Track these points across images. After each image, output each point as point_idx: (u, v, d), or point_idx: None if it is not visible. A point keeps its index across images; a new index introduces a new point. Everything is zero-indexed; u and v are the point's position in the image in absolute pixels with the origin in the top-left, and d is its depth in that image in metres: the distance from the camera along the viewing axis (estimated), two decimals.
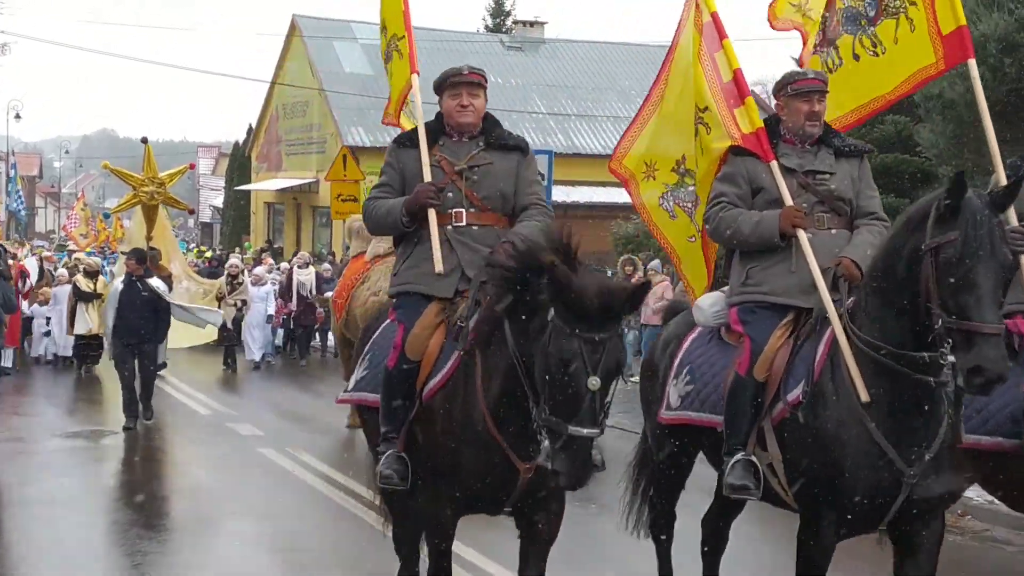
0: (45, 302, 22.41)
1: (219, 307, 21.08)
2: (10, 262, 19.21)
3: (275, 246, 38.67)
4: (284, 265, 26.12)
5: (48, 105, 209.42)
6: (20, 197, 52.08)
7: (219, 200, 56.40)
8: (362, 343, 7.13)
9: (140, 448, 14.32)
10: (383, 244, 14.43)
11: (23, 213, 53.93)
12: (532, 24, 43.38)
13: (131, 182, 19.19)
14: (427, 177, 6.50)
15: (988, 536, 10.49)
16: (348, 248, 28.37)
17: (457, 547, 8.96)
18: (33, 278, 23.25)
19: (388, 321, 6.79)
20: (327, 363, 23.43)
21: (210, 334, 19.75)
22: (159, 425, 15.34)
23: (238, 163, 48.92)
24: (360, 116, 36.36)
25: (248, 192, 45.48)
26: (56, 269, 24.34)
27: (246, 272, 23.72)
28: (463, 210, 6.49)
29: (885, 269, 5.75)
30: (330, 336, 23.78)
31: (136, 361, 15.37)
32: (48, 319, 22.37)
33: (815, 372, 5.99)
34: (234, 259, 25.37)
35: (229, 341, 22.10)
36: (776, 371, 6.19)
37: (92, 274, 21.48)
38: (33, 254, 26.74)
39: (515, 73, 39.92)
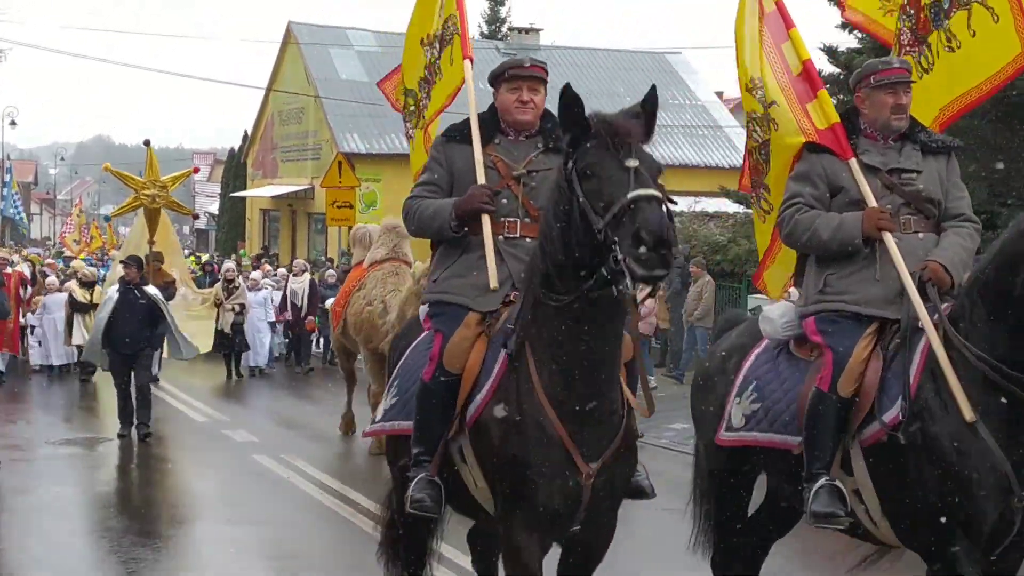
0: (34, 310, 21.75)
1: (218, 313, 20.98)
2: (8, 270, 19.09)
3: (270, 253, 38.63)
4: (282, 271, 25.87)
5: (43, 112, 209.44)
6: (17, 203, 51.96)
7: (214, 206, 56.39)
8: (391, 362, 6.52)
9: (135, 455, 14.30)
10: (380, 250, 14.33)
11: (20, 218, 53.75)
12: (527, 31, 43.42)
13: (132, 185, 18.92)
14: (481, 178, 5.90)
15: None
16: (344, 255, 28.38)
17: (457, 557, 9.04)
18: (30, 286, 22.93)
19: (419, 338, 6.21)
20: (324, 371, 23.15)
21: (205, 345, 19.54)
22: (155, 432, 15.28)
23: (234, 169, 48.90)
24: (355, 123, 36.37)
25: (243, 198, 45.45)
26: (60, 277, 23.64)
27: (241, 277, 23.31)
28: (517, 220, 5.90)
29: (998, 277, 5.36)
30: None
31: (132, 371, 15.00)
32: (33, 327, 21.67)
33: (911, 388, 5.48)
34: (229, 263, 25.00)
35: (229, 348, 21.75)
36: (867, 388, 5.66)
37: (88, 284, 21.12)
38: (27, 261, 26.53)
39: None
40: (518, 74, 6.03)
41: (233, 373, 21.97)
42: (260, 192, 42.51)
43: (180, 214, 23.04)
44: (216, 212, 54.20)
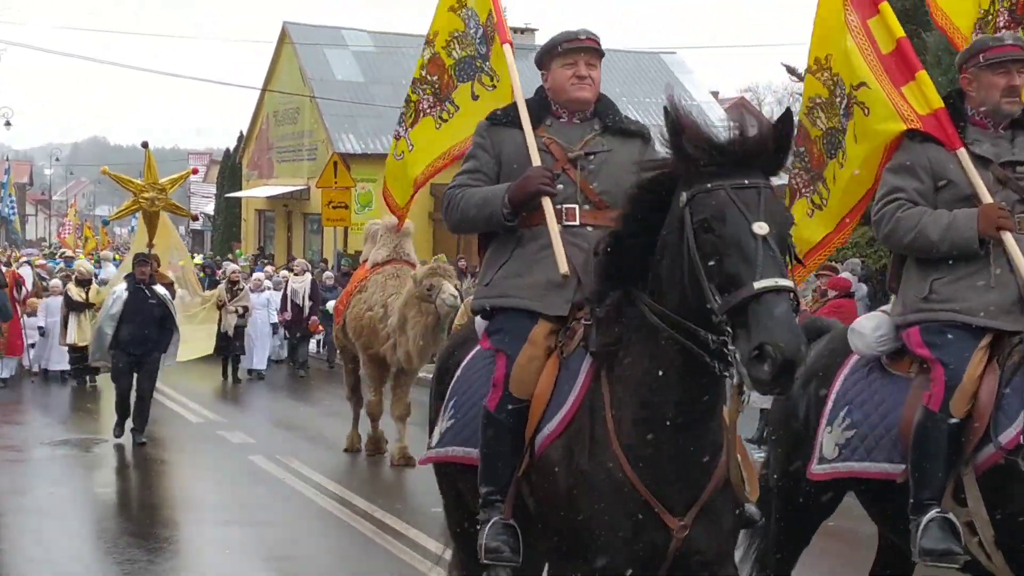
0: (33, 312, 21.36)
1: (220, 315, 20.72)
2: (3, 269, 18.96)
3: (266, 253, 38.60)
4: (284, 272, 25.69)
5: (38, 112, 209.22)
6: (12, 203, 51.90)
7: (210, 207, 56.36)
8: (439, 382, 5.71)
9: (131, 456, 14.26)
10: (382, 250, 13.97)
11: (14, 218, 53.67)
12: (523, 31, 43.33)
13: (130, 188, 18.79)
14: (536, 161, 5.23)
15: None
16: (341, 256, 28.38)
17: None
18: (28, 287, 22.66)
19: (475, 350, 5.43)
20: (323, 373, 23.07)
21: (207, 347, 19.43)
22: (151, 434, 15.23)
23: (229, 170, 48.87)
24: (351, 123, 36.36)
25: (239, 199, 45.42)
26: (50, 277, 23.52)
27: (244, 279, 23.00)
28: (576, 207, 5.22)
29: None
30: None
31: (135, 374, 14.62)
32: (40, 329, 21.29)
33: None
34: (233, 265, 24.55)
35: (229, 351, 21.43)
36: (982, 407, 5.07)
37: (84, 282, 20.77)
38: (26, 262, 26.43)
39: None
40: (574, 47, 5.38)
41: (230, 376, 21.66)
42: (255, 193, 42.48)
43: (179, 216, 22.38)
44: (211, 213, 54.19)
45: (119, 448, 14.66)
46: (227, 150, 51.48)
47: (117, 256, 33.78)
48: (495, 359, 5.09)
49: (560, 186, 5.19)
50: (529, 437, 4.84)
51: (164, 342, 14.79)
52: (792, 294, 3.99)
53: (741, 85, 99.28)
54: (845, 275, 14.45)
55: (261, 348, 22.35)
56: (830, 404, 5.61)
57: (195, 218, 24.41)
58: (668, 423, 4.41)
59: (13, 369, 20.50)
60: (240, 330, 21.46)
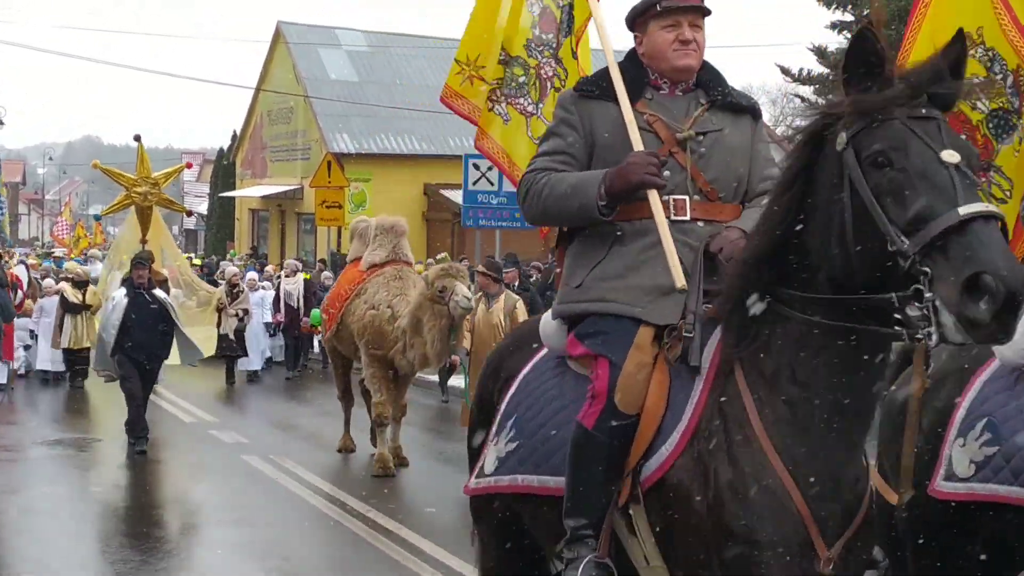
0: (27, 314, 20.78)
1: (219, 318, 19.87)
2: (3, 268, 18.61)
3: (259, 253, 38.60)
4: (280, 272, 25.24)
5: (31, 112, 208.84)
6: (1, 202, 51.61)
7: (203, 206, 56.34)
8: (485, 399, 4.92)
9: (125, 457, 14.24)
10: (379, 252, 13.58)
11: (2, 218, 53.29)
12: None
13: (123, 182, 18.40)
14: (637, 144, 4.30)
15: None
16: (334, 255, 28.35)
17: (463, 567, 9.06)
18: (24, 288, 22.23)
19: (537, 358, 4.70)
20: (319, 374, 22.69)
21: (208, 349, 19.12)
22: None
23: (222, 169, 48.85)
24: (345, 123, 36.38)
25: (232, 199, 45.42)
26: (43, 278, 22.90)
27: (244, 280, 22.58)
28: (686, 198, 4.35)
29: None
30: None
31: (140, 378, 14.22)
32: (31, 332, 21.05)
33: None
34: (232, 267, 23.98)
35: (231, 352, 20.92)
36: None
37: (80, 284, 20.33)
38: (21, 262, 26.15)
39: None
40: (676, 5, 4.38)
41: (230, 380, 21.26)
42: (249, 192, 42.48)
43: (173, 211, 21.80)
44: (205, 212, 54.17)
45: (112, 448, 14.65)
46: (220, 149, 51.48)
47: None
48: (594, 366, 4.22)
49: (667, 173, 4.30)
50: (635, 461, 4.07)
51: (167, 348, 14.60)
52: (1002, 224, 3.35)
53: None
54: None
55: (256, 348, 22.08)
56: (960, 413, 4.90)
57: (189, 213, 24.11)
58: (825, 426, 3.80)
59: (4, 375, 19.77)
60: (240, 333, 21.21)
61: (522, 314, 12.39)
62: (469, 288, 12.45)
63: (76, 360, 20.11)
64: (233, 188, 45.30)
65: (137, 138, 18.62)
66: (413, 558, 9.44)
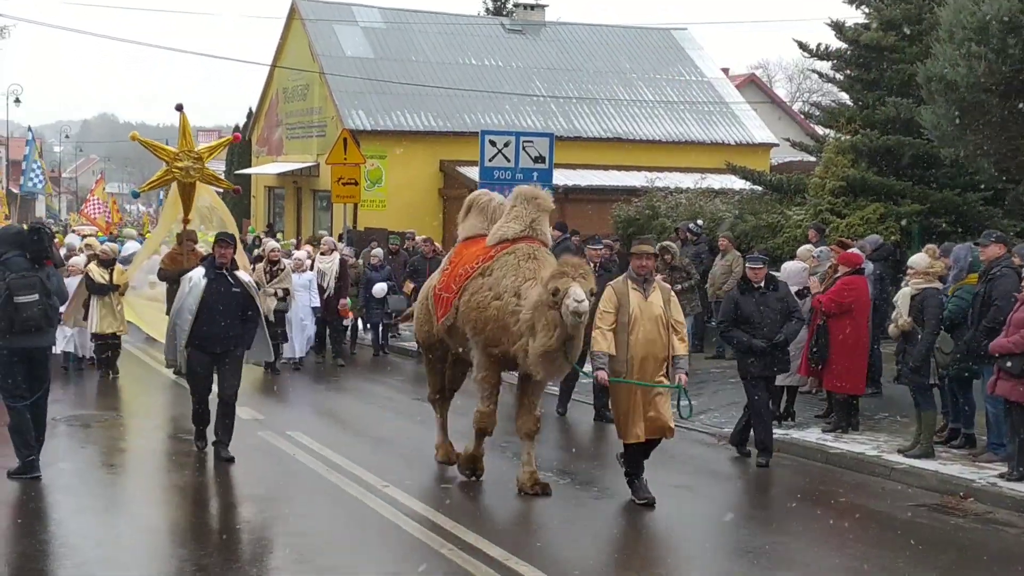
0: None
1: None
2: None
3: (275, 230, 38.59)
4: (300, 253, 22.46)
5: (48, 90, 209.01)
6: (40, 175, 51.03)
7: None
8: None
9: (142, 432, 14.26)
10: (512, 225, 11.44)
11: (40, 188, 52.79)
12: (533, 7, 43.21)
13: (162, 155, 16.95)
14: None
15: (991, 518, 10.50)
16: (349, 232, 28.32)
17: (484, 544, 9.07)
18: None
19: None
20: (360, 361, 21.43)
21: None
22: (173, 417, 15.16)
23: (238, 147, 48.85)
24: (360, 100, 36.32)
25: (248, 176, 45.44)
26: (67, 256, 20.93)
27: (285, 258, 20.30)
28: None
29: None
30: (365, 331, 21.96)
31: (217, 374, 12.54)
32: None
33: None
34: (272, 243, 21.67)
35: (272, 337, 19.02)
36: None
37: (107, 263, 18.49)
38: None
39: (516, 56, 39.85)
40: None
41: (268, 367, 18.61)
42: (265, 170, 42.49)
43: (219, 187, 19.30)
44: (221, 190, 54.13)
45: (129, 425, 14.68)
46: (236, 127, 51.45)
47: (147, 232, 32.86)
48: None
49: None
50: None
51: (248, 336, 12.69)
52: None
53: (752, 61, 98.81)
54: (854, 251, 14.34)
55: (300, 334, 19.90)
56: None
57: (237, 191, 22.06)
58: None
59: None
60: (281, 315, 19.11)
61: (677, 305, 10.88)
62: (592, 291, 10.27)
63: (107, 347, 18.49)
64: (249, 165, 45.31)
65: (179, 107, 16.96)
66: (430, 533, 9.45)
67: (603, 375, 10.44)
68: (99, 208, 40.29)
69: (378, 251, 22.49)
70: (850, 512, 10.71)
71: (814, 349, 13.54)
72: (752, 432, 12.75)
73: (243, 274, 12.88)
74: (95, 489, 11.39)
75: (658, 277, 11.74)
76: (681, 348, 10.66)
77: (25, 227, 12.02)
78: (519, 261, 11.11)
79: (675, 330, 10.64)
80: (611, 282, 10.98)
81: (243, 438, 13.60)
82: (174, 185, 17.33)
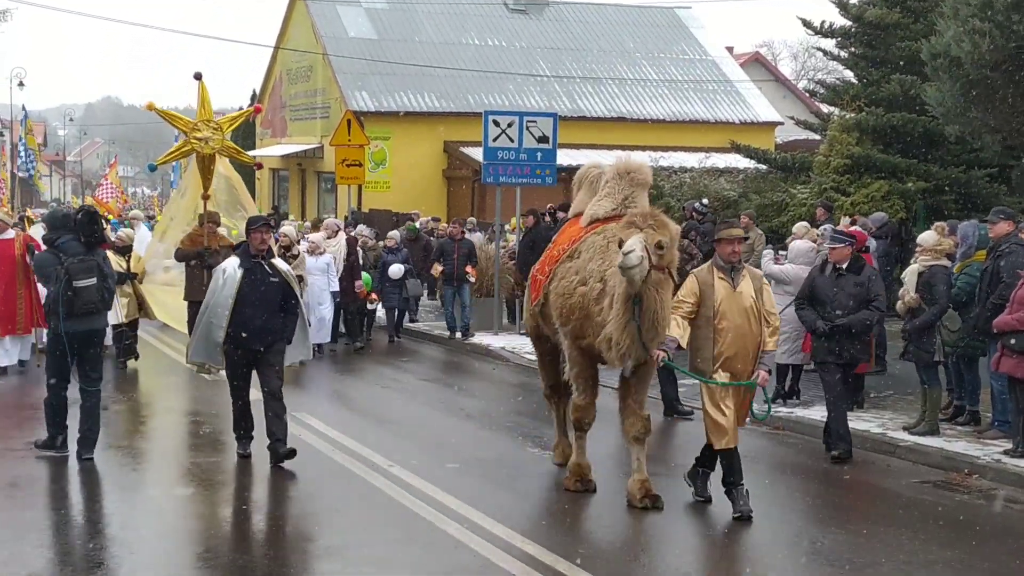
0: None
1: None
2: (10, 234, 16.84)
3: (280, 212, 38.60)
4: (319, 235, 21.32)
5: (51, 73, 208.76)
6: (32, 160, 51.15)
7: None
8: None
9: (155, 417, 14.29)
10: (605, 202, 10.32)
11: (30, 171, 52.88)
12: None
13: (179, 125, 16.24)
14: None
15: (995, 495, 10.51)
16: (353, 213, 28.29)
17: (489, 523, 9.09)
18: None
19: None
20: (375, 345, 20.75)
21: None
22: (188, 406, 15.12)
23: (242, 129, 48.77)
24: (364, 81, 36.28)
25: (252, 158, 45.51)
26: None
27: (302, 242, 19.64)
28: None
29: None
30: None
31: (258, 372, 11.51)
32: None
33: None
34: (287, 227, 20.56)
35: None
36: None
37: (123, 250, 17.51)
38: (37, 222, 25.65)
39: (519, 36, 39.78)
40: None
41: None
42: (269, 151, 42.47)
43: (240, 161, 18.16)
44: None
45: (144, 409, 14.70)
46: (254, 93, 51.38)
47: (158, 215, 32.30)
48: None
49: None
50: None
51: (289, 329, 11.60)
52: None
53: (756, 40, 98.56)
54: (858, 228, 14.33)
55: (317, 320, 18.74)
56: None
57: (259, 166, 20.94)
58: None
59: (29, 351, 17.00)
60: None
61: (770, 295, 9.84)
62: (662, 243, 9.12)
63: (125, 335, 17.48)
64: (253, 147, 45.27)
65: (198, 76, 16.18)
66: (436, 512, 9.48)
67: (659, 353, 9.37)
68: (111, 192, 40.09)
69: (395, 233, 22.28)
70: (855, 489, 10.72)
71: None
72: None
73: (280, 262, 11.91)
74: (111, 469, 11.42)
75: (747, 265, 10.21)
76: (769, 343, 9.63)
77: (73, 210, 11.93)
78: (607, 243, 9.84)
79: (767, 322, 9.60)
80: (695, 269, 9.97)
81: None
82: (192, 162, 16.63)
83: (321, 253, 19.26)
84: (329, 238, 20.14)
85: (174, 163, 19.90)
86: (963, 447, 11.72)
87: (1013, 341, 11.12)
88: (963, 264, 12.88)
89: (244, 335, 11.19)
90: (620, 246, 9.05)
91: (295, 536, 9.32)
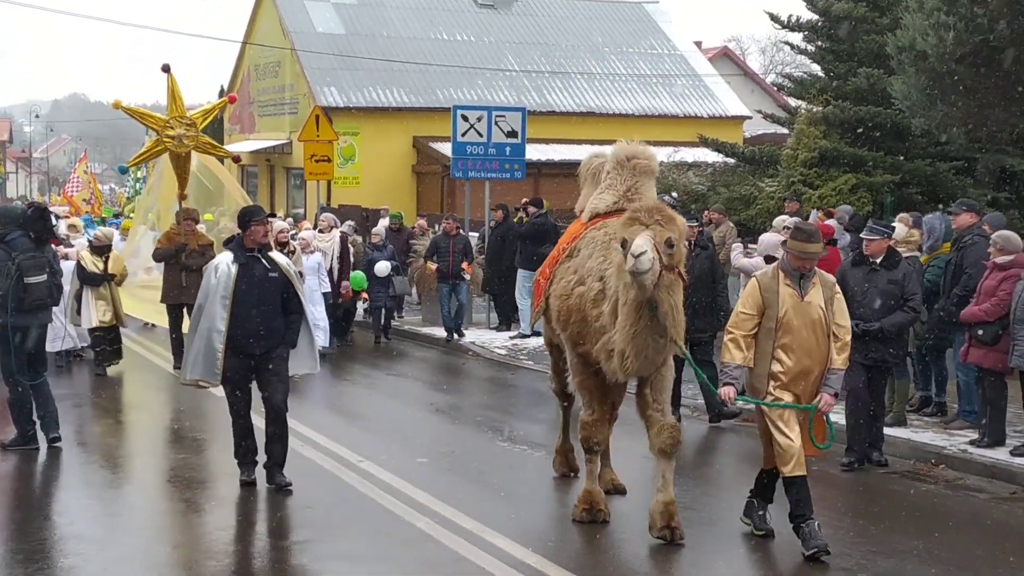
0: None
1: None
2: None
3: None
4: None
5: (16, 69, 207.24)
6: None
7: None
8: None
9: (132, 420, 14.21)
10: (606, 195, 9.49)
11: None
12: None
13: (151, 123, 15.51)
14: None
15: (961, 484, 10.60)
16: (323, 210, 28.21)
17: (459, 517, 9.10)
18: None
19: None
20: (356, 345, 20.24)
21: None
22: (169, 403, 14.99)
23: (210, 126, 48.56)
24: (333, 76, 36.16)
25: (230, 152, 45.29)
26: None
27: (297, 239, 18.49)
28: None
29: None
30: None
31: (258, 381, 10.27)
32: None
33: None
34: (281, 223, 19.22)
35: None
36: None
37: (101, 249, 16.37)
38: None
39: (488, 31, 39.74)
40: None
41: None
42: (237, 147, 42.24)
43: (217, 155, 17.25)
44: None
45: (109, 405, 14.62)
46: (221, 88, 51.10)
47: (127, 212, 30.80)
48: None
49: None
50: None
51: (293, 331, 10.31)
52: None
53: (724, 34, 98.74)
54: (831, 222, 14.41)
55: (314, 324, 16.45)
56: None
57: (237, 160, 19.97)
58: None
59: None
60: None
61: (842, 306, 8.60)
62: (671, 239, 8.24)
63: (103, 339, 16.38)
64: (221, 143, 45.05)
65: (166, 68, 15.29)
66: (406, 507, 9.48)
67: (730, 391, 8.42)
68: (78, 186, 39.64)
69: (380, 228, 21.70)
70: (822, 479, 10.77)
71: None
72: None
73: (279, 255, 10.71)
74: (80, 466, 11.36)
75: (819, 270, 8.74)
76: (838, 360, 8.46)
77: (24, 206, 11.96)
78: (609, 240, 8.90)
79: (835, 336, 8.43)
80: (758, 273, 8.91)
81: (218, 415, 13.56)
82: (164, 159, 16.02)
83: (311, 252, 18.18)
84: (322, 232, 19.27)
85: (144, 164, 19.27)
86: (930, 437, 11.82)
87: (981, 332, 11.22)
88: (930, 256, 12.97)
89: (242, 338, 9.93)
90: (624, 246, 8.15)
91: (265, 532, 9.31)
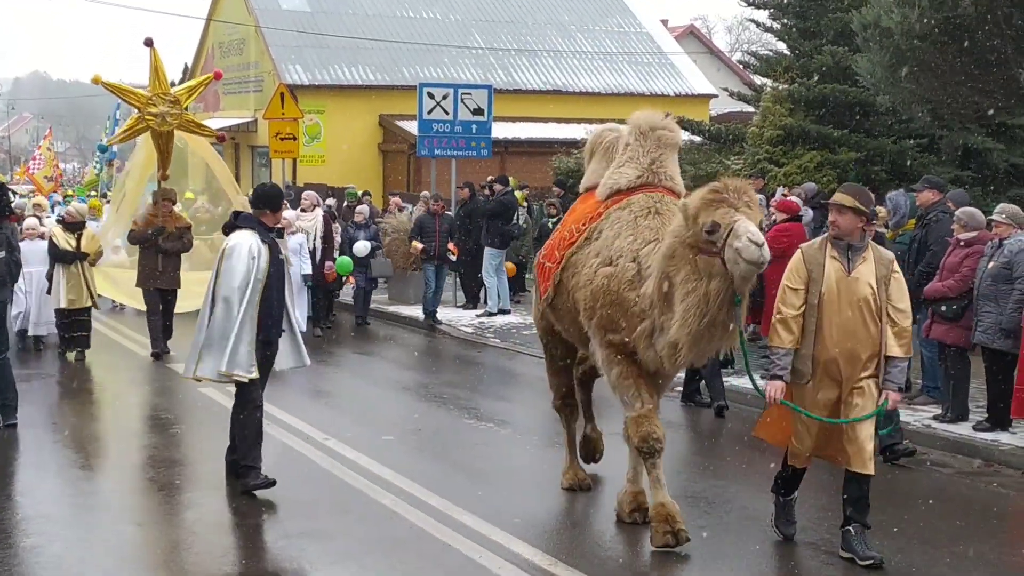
0: None
1: None
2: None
3: (213, 187, 38.19)
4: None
5: None
6: None
7: None
8: None
9: (107, 412, 14.13)
10: (628, 169, 8.65)
11: None
12: None
13: (132, 100, 14.89)
14: None
15: (925, 459, 10.67)
16: (289, 188, 28.07)
17: (425, 495, 9.09)
18: None
19: None
20: (337, 327, 19.64)
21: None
22: (153, 395, 14.92)
23: None
24: (298, 54, 35.95)
25: (215, 131, 44.99)
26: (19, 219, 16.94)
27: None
28: None
29: None
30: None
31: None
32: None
33: None
34: None
35: None
36: None
37: (73, 226, 15.65)
38: None
39: (454, 8, 39.58)
40: None
41: None
42: None
43: (202, 135, 16.66)
44: None
45: (98, 400, 14.54)
46: (172, 83, 50.76)
47: (89, 191, 30.48)
48: None
49: None
50: None
51: (285, 321, 9.70)
52: None
53: (691, 13, 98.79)
54: (793, 199, 14.46)
55: (298, 303, 16.42)
56: None
57: (221, 139, 19.11)
58: None
59: None
60: None
61: (901, 287, 7.64)
62: (763, 226, 7.57)
63: (73, 324, 15.67)
64: None
65: (148, 42, 14.74)
66: (372, 485, 9.46)
67: (777, 389, 7.60)
68: (40, 163, 39.21)
69: (363, 207, 21.01)
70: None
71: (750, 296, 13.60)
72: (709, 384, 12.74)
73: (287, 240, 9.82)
74: (54, 448, 11.29)
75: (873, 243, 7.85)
76: (897, 349, 7.56)
77: None
78: (635, 217, 8.28)
79: (892, 321, 7.54)
80: (804, 244, 8.07)
81: (184, 395, 13.51)
82: (144, 137, 15.50)
83: (293, 232, 17.30)
84: (304, 211, 18.43)
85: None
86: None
87: (944, 308, 11.30)
88: (895, 233, 13.03)
89: (271, 325, 9.34)
90: (713, 231, 7.24)
91: (230, 511, 9.26)
